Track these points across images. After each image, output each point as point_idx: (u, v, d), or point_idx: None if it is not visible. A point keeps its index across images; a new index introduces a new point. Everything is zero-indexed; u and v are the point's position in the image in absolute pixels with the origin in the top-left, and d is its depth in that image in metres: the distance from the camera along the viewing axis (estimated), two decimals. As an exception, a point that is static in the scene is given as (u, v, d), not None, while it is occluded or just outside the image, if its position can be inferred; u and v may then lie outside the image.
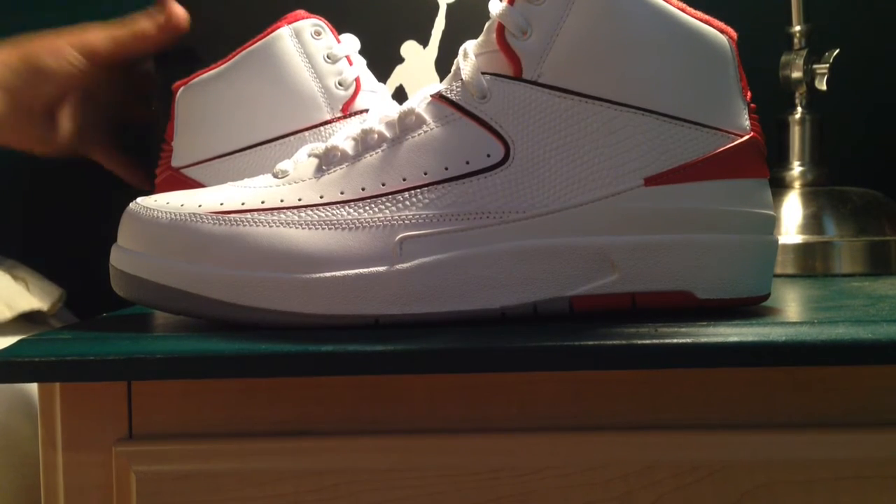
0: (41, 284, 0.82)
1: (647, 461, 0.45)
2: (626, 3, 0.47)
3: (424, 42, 0.78)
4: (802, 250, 0.72)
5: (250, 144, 0.59)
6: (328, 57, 0.61)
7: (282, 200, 0.47)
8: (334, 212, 0.46)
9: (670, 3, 0.48)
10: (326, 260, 0.45)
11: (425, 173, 0.47)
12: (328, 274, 0.45)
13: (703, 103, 0.48)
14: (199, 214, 0.47)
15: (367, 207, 0.46)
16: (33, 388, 0.64)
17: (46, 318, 0.81)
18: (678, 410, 0.46)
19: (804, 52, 0.76)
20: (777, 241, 0.51)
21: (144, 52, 0.74)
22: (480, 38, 0.49)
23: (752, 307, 0.49)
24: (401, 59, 0.85)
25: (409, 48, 0.75)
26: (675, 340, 0.43)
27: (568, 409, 0.46)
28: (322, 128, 0.59)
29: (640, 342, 0.43)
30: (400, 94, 0.78)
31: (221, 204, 0.47)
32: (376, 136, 0.48)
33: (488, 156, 0.47)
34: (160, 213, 0.47)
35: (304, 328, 0.45)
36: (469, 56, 0.49)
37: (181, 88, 0.63)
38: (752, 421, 0.46)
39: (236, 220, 0.46)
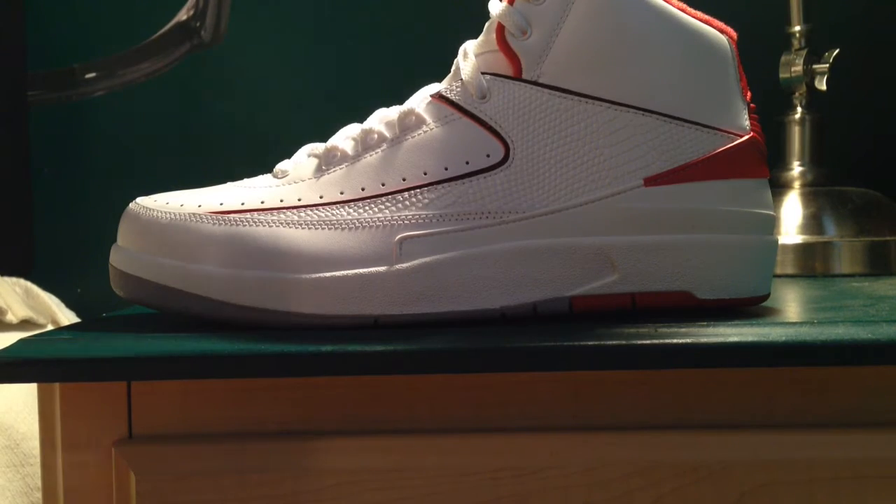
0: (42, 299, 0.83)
1: (647, 461, 0.45)
2: (626, 3, 0.47)
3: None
4: (802, 250, 0.72)
5: None
6: None
7: (281, 200, 0.47)
8: (334, 212, 0.46)
9: (670, 3, 0.48)
10: (326, 260, 0.45)
11: (425, 173, 0.47)
12: (328, 274, 0.45)
13: (703, 103, 0.48)
14: (199, 214, 0.47)
15: (367, 207, 0.46)
16: (33, 387, 0.64)
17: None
18: (678, 410, 0.46)
19: (804, 52, 0.76)
20: (777, 241, 0.51)
21: None
22: (480, 38, 0.49)
23: (752, 307, 0.49)
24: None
25: None
26: (675, 340, 0.43)
27: (568, 409, 0.46)
28: None
29: (640, 342, 0.43)
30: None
31: (221, 204, 0.47)
32: (376, 136, 0.48)
33: (488, 156, 0.47)
34: (160, 213, 0.47)
35: (304, 328, 0.45)
36: (469, 56, 0.49)
37: None
38: (752, 421, 0.46)
39: (236, 220, 0.46)
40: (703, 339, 0.43)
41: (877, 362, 0.43)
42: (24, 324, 0.79)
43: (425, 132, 0.48)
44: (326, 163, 0.48)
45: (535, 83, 0.47)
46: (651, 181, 0.47)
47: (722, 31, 0.49)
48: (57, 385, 0.46)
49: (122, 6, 0.94)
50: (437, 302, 0.45)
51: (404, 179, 0.47)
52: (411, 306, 0.45)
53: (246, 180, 0.49)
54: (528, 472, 0.45)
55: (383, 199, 0.46)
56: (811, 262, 0.72)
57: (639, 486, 0.45)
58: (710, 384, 0.46)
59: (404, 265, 0.45)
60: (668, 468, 0.45)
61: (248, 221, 0.46)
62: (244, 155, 0.93)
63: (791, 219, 0.74)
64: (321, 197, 0.47)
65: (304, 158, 0.49)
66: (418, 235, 0.46)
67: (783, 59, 0.76)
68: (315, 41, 0.93)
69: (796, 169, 0.77)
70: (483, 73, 0.48)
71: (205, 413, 0.46)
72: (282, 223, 0.46)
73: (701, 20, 0.48)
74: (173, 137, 0.94)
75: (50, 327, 0.81)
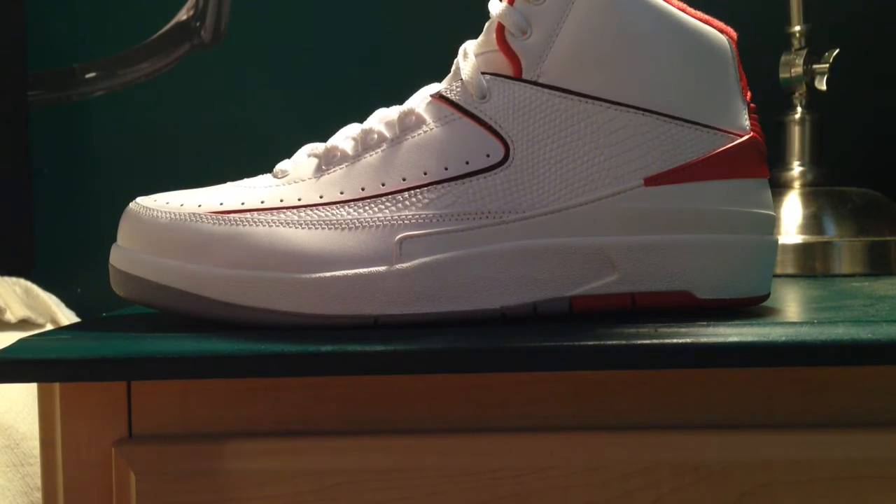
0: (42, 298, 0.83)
1: (647, 461, 0.45)
2: (626, 3, 0.47)
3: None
4: (802, 250, 0.72)
5: None
6: None
7: (281, 200, 0.47)
8: (334, 212, 0.46)
9: (670, 3, 0.48)
10: (326, 260, 0.45)
11: (425, 173, 0.47)
12: (328, 274, 0.45)
13: (703, 103, 0.48)
14: (199, 214, 0.47)
15: (367, 207, 0.46)
16: (33, 387, 0.64)
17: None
18: (678, 410, 0.46)
19: (804, 52, 0.76)
20: (777, 241, 0.51)
21: None
22: (480, 38, 0.49)
23: (752, 307, 0.49)
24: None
25: None
26: (675, 340, 0.43)
27: (568, 409, 0.46)
28: None
29: (640, 342, 0.43)
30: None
31: (221, 204, 0.47)
32: (376, 136, 0.48)
33: (488, 156, 0.47)
34: (160, 213, 0.47)
35: (304, 328, 0.45)
36: (469, 56, 0.49)
37: None
38: (752, 421, 0.46)
39: (236, 220, 0.46)
40: (703, 339, 0.43)
41: (877, 362, 0.43)
42: (23, 323, 0.79)
43: (425, 132, 0.48)
44: (326, 163, 0.48)
45: (535, 83, 0.47)
46: (651, 181, 0.47)
47: (722, 31, 0.49)
48: (57, 385, 0.46)
49: (122, 6, 0.94)
50: (437, 302, 0.45)
51: (404, 179, 0.47)
52: (411, 306, 0.45)
53: (246, 180, 0.49)
54: (528, 472, 0.45)
55: (383, 199, 0.46)
56: (811, 262, 0.72)
57: (639, 486, 0.45)
58: (710, 384, 0.46)
59: (404, 265, 0.45)
60: (668, 468, 0.45)
61: (248, 221, 0.46)
62: (244, 155, 0.93)
63: (791, 219, 0.74)
64: (321, 197, 0.47)
65: (304, 158, 0.49)
66: (418, 235, 0.46)
67: (783, 59, 0.76)
68: (315, 41, 0.93)
69: (796, 169, 0.77)
70: (483, 73, 0.48)
71: (205, 413, 0.46)
72: (282, 223, 0.46)
73: (701, 20, 0.48)
74: (173, 137, 0.94)
75: (49, 327, 0.81)
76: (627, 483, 0.45)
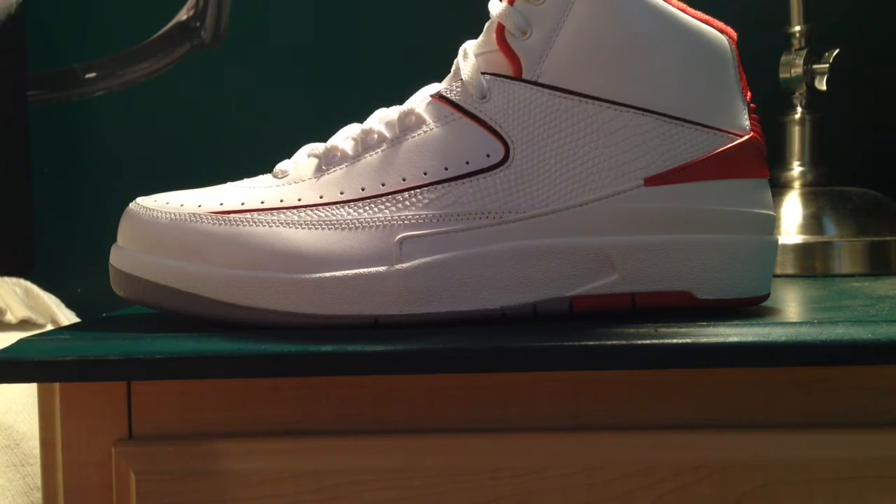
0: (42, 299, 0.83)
1: (647, 461, 0.45)
2: (626, 3, 0.47)
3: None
4: (802, 250, 0.72)
5: None
6: None
7: (281, 200, 0.47)
8: (334, 212, 0.46)
9: (670, 3, 0.48)
10: (326, 260, 0.45)
11: (425, 173, 0.47)
12: (328, 274, 0.45)
13: (703, 103, 0.48)
14: (199, 214, 0.47)
15: (367, 207, 0.46)
16: (33, 386, 0.64)
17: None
18: (678, 410, 0.46)
19: (804, 52, 0.76)
20: (777, 241, 0.51)
21: None
22: (480, 38, 0.49)
23: (752, 307, 0.49)
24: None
25: None
26: (675, 340, 0.43)
27: (568, 409, 0.46)
28: None
29: (640, 342, 0.43)
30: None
31: (221, 204, 0.47)
32: (376, 136, 0.48)
33: (488, 156, 0.47)
34: (160, 213, 0.47)
35: (304, 328, 0.45)
36: (469, 56, 0.49)
37: None
38: (752, 421, 0.46)
39: (236, 220, 0.46)
40: (703, 339, 0.43)
41: (877, 362, 0.43)
42: (24, 324, 0.79)
43: (425, 132, 0.48)
44: (326, 163, 0.48)
45: (535, 83, 0.47)
46: (651, 181, 0.47)
47: (722, 31, 0.49)
48: (57, 385, 0.46)
49: (122, 6, 0.94)
50: (437, 302, 0.45)
51: (404, 179, 0.47)
52: (411, 306, 0.45)
53: (246, 180, 0.49)
54: (528, 472, 0.45)
55: (383, 199, 0.46)
56: (811, 262, 0.72)
57: (639, 486, 0.45)
58: (710, 384, 0.46)
59: (404, 265, 0.45)
60: (668, 468, 0.45)
61: (248, 221, 0.46)
62: (244, 155, 0.93)
63: (791, 219, 0.74)
64: (321, 197, 0.47)
65: (304, 158, 0.49)
66: (418, 235, 0.46)
67: (783, 59, 0.76)
68: (315, 41, 0.93)
69: (796, 169, 0.77)
70: (483, 73, 0.48)
71: (205, 413, 0.46)
72: (282, 223, 0.46)
73: (701, 20, 0.48)
74: (173, 137, 0.94)
75: (49, 327, 0.82)
76: (627, 483, 0.45)
